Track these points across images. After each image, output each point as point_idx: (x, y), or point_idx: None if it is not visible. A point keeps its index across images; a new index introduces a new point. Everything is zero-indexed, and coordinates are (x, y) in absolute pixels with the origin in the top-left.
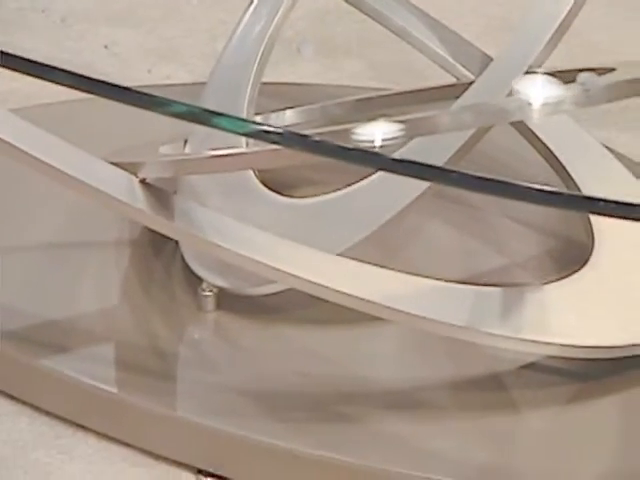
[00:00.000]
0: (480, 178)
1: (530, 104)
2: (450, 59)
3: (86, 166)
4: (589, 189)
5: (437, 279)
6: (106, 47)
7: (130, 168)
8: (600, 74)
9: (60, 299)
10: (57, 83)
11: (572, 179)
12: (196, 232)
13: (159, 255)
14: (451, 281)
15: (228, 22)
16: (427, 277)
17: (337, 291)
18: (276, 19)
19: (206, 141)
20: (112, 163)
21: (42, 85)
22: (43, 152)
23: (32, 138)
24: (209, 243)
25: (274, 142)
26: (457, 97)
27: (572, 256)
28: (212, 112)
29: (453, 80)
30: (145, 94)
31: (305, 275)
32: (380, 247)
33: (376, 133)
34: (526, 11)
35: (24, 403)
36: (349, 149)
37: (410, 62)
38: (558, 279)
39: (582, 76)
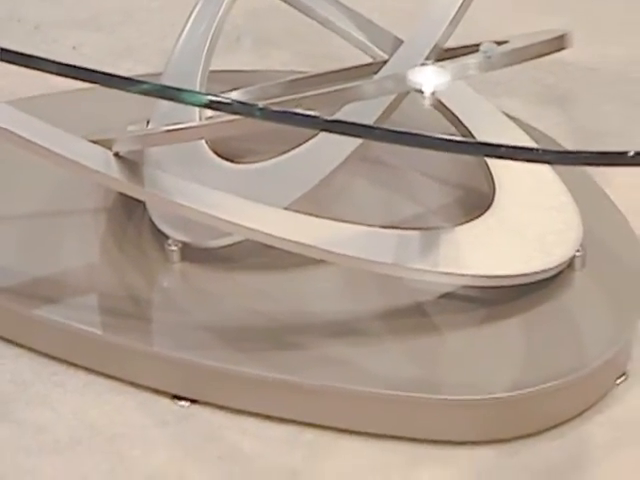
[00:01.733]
0: (399, 132)
1: (443, 69)
2: (367, 42)
3: (67, 143)
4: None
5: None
6: (74, 48)
7: (105, 144)
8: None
9: (48, 258)
10: (44, 70)
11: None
12: (162, 195)
13: (130, 217)
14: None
15: (176, 24)
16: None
17: (282, 238)
18: (219, 16)
19: (164, 120)
20: (89, 140)
21: (22, 83)
22: (29, 132)
23: (17, 121)
24: (173, 203)
25: (225, 111)
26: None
27: (476, 202)
28: (176, 88)
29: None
30: (121, 77)
31: (255, 226)
32: (313, 204)
33: None
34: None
35: (23, 346)
36: (291, 113)
37: (331, 51)
38: (467, 221)
39: (484, 45)
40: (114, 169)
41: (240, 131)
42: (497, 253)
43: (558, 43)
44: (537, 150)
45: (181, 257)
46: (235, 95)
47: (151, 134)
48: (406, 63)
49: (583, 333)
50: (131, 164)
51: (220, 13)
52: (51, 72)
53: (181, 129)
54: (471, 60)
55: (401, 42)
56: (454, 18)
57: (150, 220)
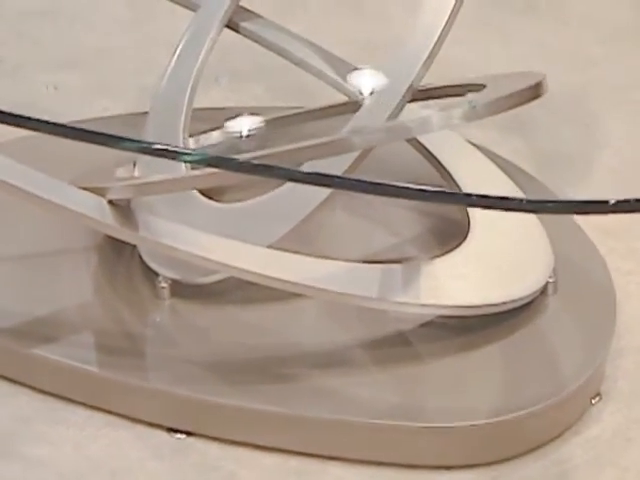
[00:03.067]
0: (375, 183)
1: (428, 120)
2: (340, 80)
3: (60, 191)
4: (464, 183)
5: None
6: (55, 88)
7: (99, 192)
8: (474, 90)
9: (42, 297)
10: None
11: (449, 174)
12: (154, 239)
13: (120, 255)
14: (356, 261)
15: (150, 60)
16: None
17: (268, 277)
18: (201, 58)
19: (150, 162)
20: (83, 188)
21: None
22: (21, 181)
23: (6, 168)
24: (165, 247)
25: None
26: (353, 112)
27: (451, 230)
28: (166, 148)
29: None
30: (106, 135)
31: (244, 267)
32: (294, 239)
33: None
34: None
35: (22, 384)
36: (265, 166)
37: (302, 84)
38: (444, 252)
39: (469, 95)
40: (108, 216)
41: (235, 180)
42: (475, 283)
43: (537, 90)
44: (520, 200)
45: (171, 293)
46: (217, 135)
47: (144, 184)
48: (383, 105)
49: (558, 357)
50: (124, 210)
51: (202, 53)
52: (45, 132)
53: (175, 180)
54: (456, 110)
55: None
56: (428, 58)
57: (140, 257)
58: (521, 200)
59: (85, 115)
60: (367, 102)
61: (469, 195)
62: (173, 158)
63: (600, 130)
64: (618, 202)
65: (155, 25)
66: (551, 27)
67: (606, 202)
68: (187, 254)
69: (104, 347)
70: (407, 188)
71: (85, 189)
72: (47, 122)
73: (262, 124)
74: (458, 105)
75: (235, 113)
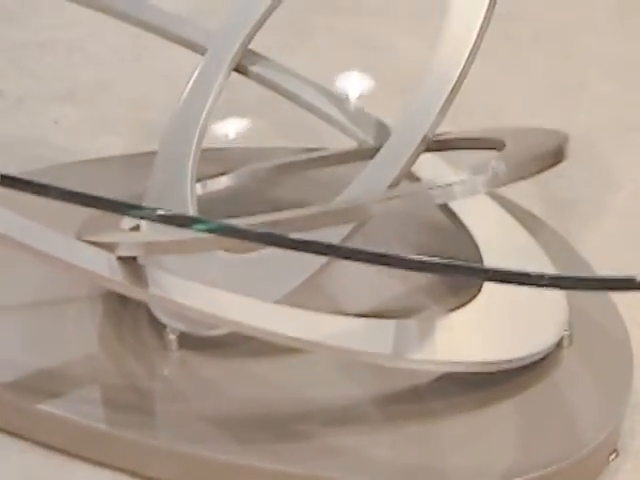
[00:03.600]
0: (374, 253)
1: (451, 189)
2: (348, 124)
3: (67, 247)
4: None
5: (357, 313)
6: (56, 122)
7: (108, 248)
8: (492, 146)
9: (48, 349)
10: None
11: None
12: (164, 295)
13: (127, 306)
14: (366, 312)
15: (149, 94)
16: (350, 313)
17: (278, 334)
18: (209, 103)
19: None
20: (89, 242)
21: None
22: (29, 238)
23: (15, 225)
24: (175, 303)
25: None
26: (364, 158)
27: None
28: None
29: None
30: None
31: (252, 323)
32: (304, 288)
33: None
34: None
35: (28, 439)
36: (276, 236)
37: (306, 119)
38: (457, 302)
39: (492, 162)
40: (117, 273)
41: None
42: (490, 338)
43: (560, 156)
44: (538, 276)
45: (179, 345)
46: (223, 181)
47: (155, 243)
48: (396, 155)
49: (575, 413)
50: (133, 266)
51: (211, 98)
52: (53, 198)
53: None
54: (479, 178)
55: (382, 124)
56: (444, 106)
57: (147, 309)
58: (542, 276)
59: (88, 151)
60: (380, 153)
61: (487, 270)
62: (184, 226)
63: (612, 172)
64: None
65: (153, 57)
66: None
67: (633, 279)
68: (198, 312)
69: (112, 403)
70: (422, 262)
71: (94, 244)
72: (57, 188)
73: None
74: (481, 171)
75: (241, 154)
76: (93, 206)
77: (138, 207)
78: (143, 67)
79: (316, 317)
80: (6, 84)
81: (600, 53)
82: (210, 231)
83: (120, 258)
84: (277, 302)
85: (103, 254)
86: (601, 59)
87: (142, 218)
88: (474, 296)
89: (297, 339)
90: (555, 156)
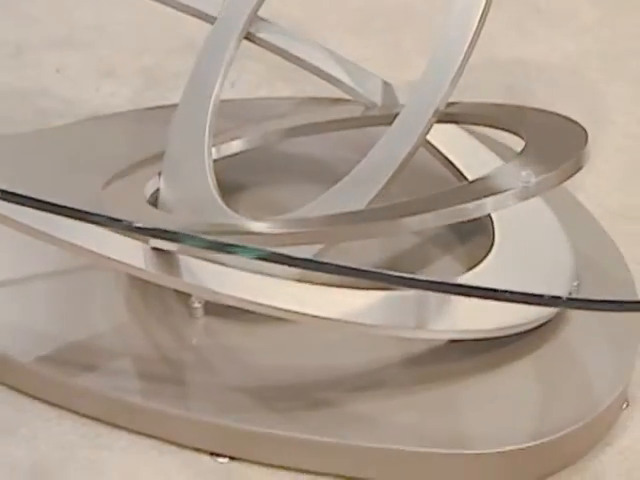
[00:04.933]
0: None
1: (483, 204)
2: (357, 88)
3: (102, 240)
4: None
5: (371, 266)
6: (58, 71)
7: (141, 238)
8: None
9: (79, 322)
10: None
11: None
12: (198, 284)
13: None
14: (380, 265)
15: (150, 39)
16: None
17: (305, 314)
18: (221, 73)
19: (176, 175)
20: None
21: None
22: (61, 231)
23: (44, 218)
24: (209, 292)
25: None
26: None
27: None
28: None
29: None
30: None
31: (294, 308)
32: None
33: None
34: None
35: (65, 409)
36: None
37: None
38: (469, 256)
39: (523, 175)
40: (153, 264)
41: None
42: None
43: (581, 161)
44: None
45: (205, 311)
46: (238, 144)
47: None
48: (410, 126)
49: (589, 369)
50: (168, 257)
51: (223, 68)
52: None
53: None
54: (510, 191)
55: (387, 85)
56: (454, 77)
57: None
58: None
59: (93, 100)
60: (395, 123)
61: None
62: (231, 253)
63: (601, 106)
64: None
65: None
66: None
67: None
68: (233, 299)
69: (143, 375)
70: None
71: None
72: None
73: None
74: (511, 185)
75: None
76: (142, 234)
77: (192, 237)
78: (139, 9)
79: (339, 294)
80: (5, 32)
81: None
82: (259, 258)
83: (155, 249)
84: None
85: (137, 245)
86: None
87: (193, 246)
88: (485, 248)
89: (325, 318)
90: (578, 163)
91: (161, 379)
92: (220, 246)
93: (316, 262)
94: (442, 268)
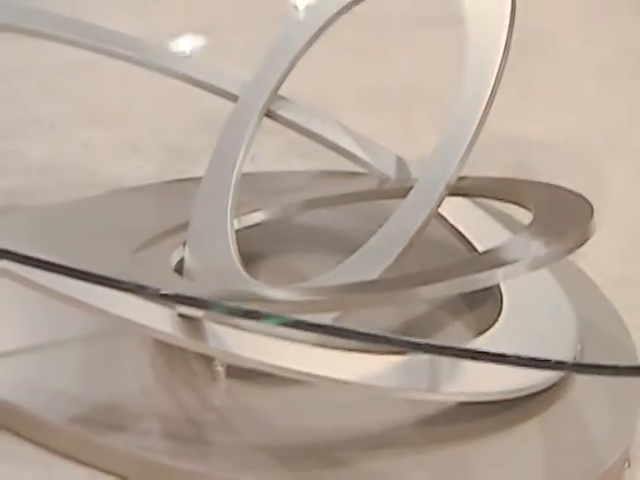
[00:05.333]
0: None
1: (494, 274)
2: (371, 162)
3: (133, 307)
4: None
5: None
6: (85, 147)
7: (169, 304)
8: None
9: (107, 386)
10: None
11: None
12: (223, 349)
13: None
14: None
15: (174, 115)
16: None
17: (324, 377)
18: (242, 150)
19: (199, 245)
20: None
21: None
22: (92, 298)
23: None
24: (234, 356)
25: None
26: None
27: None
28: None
29: None
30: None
31: (316, 372)
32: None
33: None
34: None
35: (94, 467)
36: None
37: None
38: (478, 321)
39: (532, 247)
40: (180, 330)
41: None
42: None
43: (588, 233)
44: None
45: (227, 374)
46: (259, 216)
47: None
48: (423, 200)
49: (593, 430)
50: (193, 323)
51: (244, 145)
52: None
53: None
54: (520, 262)
55: (401, 160)
56: (465, 153)
57: None
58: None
59: (119, 174)
60: (408, 197)
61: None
62: (255, 320)
63: (601, 180)
64: None
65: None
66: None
67: None
68: (256, 363)
69: (168, 435)
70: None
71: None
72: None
73: None
74: (521, 256)
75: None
76: (169, 300)
77: (217, 303)
78: (162, 86)
79: (356, 358)
80: (37, 107)
81: (584, 58)
82: (281, 325)
83: (181, 315)
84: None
85: (165, 311)
86: (585, 63)
87: (218, 312)
88: (493, 313)
89: (341, 381)
90: (585, 235)
91: (185, 439)
92: (244, 313)
93: (337, 329)
94: (452, 334)
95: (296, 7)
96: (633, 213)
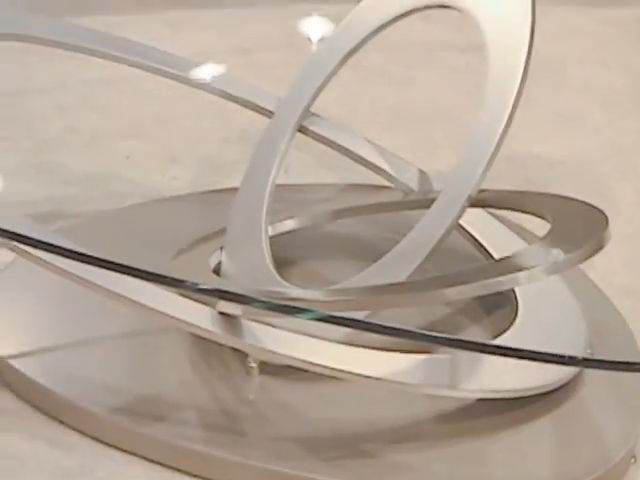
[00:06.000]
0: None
1: (516, 277)
2: (394, 174)
3: (173, 304)
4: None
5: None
6: (128, 157)
7: (210, 303)
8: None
9: (148, 379)
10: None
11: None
12: (258, 345)
13: None
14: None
15: (210, 130)
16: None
17: (352, 374)
18: (276, 164)
19: (236, 250)
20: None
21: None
22: (139, 295)
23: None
24: (268, 352)
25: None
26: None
27: (497, 301)
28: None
29: None
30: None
31: (347, 369)
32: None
33: None
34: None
35: (135, 454)
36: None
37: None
38: (494, 324)
39: (551, 253)
40: (219, 326)
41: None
42: (529, 365)
43: (603, 242)
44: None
45: (260, 371)
46: (290, 223)
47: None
48: (446, 210)
49: (601, 427)
50: (231, 320)
51: (279, 158)
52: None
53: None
54: (540, 267)
55: (424, 174)
56: (486, 167)
57: None
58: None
59: (158, 183)
60: (432, 207)
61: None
62: (291, 315)
63: (609, 198)
64: None
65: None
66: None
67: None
68: (288, 358)
69: (205, 425)
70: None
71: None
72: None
73: None
74: (540, 262)
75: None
76: (208, 295)
77: (256, 299)
78: (201, 102)
79: (382, 356)
80: (79, 121)
81: (593, 84)
82: (314, 319)
83: (221, 313)
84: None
85: (205, 309)
86: (595, 90)
87: (256, 307)
88: (508, 318)
89: (369, 377)
90: (600, 243)
91: (220, 429)
92: (279, 307)
93: (366, 323)
94: (470, 336)
95: (326, 32)
96: (637, 225)
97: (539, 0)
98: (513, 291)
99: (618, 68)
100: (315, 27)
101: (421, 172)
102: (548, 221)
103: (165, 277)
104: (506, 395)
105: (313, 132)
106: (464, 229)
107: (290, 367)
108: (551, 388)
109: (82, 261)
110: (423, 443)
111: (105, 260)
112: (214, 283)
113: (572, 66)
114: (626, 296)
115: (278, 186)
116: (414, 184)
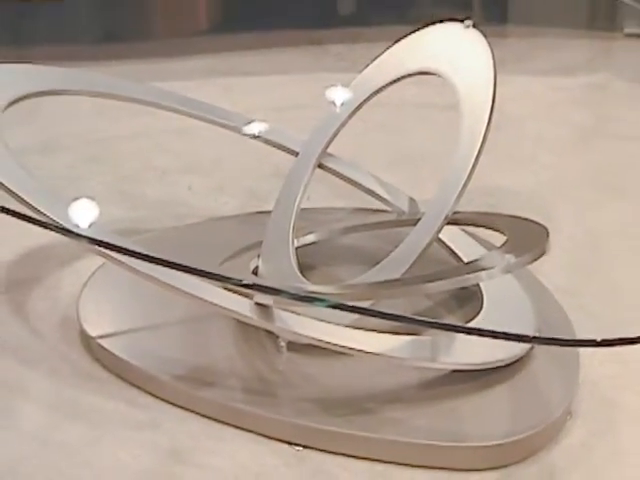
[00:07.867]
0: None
1: (479, 275)
2: (391, 200)
3: (217, 294)
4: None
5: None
6: (190, 188)
7: (248, 295)
8: (494, 228)
9: (202, 352)
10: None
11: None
12: (287, 328)
13: None
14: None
15: (252, 169)
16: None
17: (358, 350)
18: (300, 193)
19: (269, 258)
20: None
21: (164, 213)
22: (195, 289)
23: (177, 277)
24: (295, 334)
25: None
26: (404, 225)
27: (466, 296)
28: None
29: None
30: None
31: (343, 344)
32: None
33: None
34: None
35: (190, 410)
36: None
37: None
38: (464, 314)
39: (506, 256)
40: (255, 313)
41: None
42: (495, 344)
43: (544, 249)
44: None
45: (288, 348)
46: (311, 237)
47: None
48: (428, 227)
49: (546, 390)
50: (265, 308)
51: (302, 188)
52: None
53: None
54: (497, 268)
55: (412, 200)
56: (460, 192)
57: None
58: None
59: (213, 208)
60: (417, 226)
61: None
62: (311, 302)
63: (555, 219)
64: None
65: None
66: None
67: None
68: (310, 338)
69: (245, 389)
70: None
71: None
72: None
73: None
74: (498, 263)
75: (317, 212)
76: (248, 288)
77: (284, 290)
78: (243, 146)
79: (381, 337)
80: (154, 160)
81: (543, 134)
82: (328, 307)
83: (257, 303)
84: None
85: (245, 301)
86: (544, 138)
87: (285, 297)
88: (475, 309)
89: (371, 353)
90: (542, 250)
91: (257, 392)
92: (301, 297)
93: (368, 310)
94: (448, 321)
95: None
96: (575, 240)
97: (503, 70)
98: (479, 288)
99: (562, 123)
100: (331, 92)
101: (411, 199)
102: (505, 235)
103: (216, 275)
104: (474, 367)
105: (329, 168)
106: (442, 242)
107: (311, 345)
108: (509, 362)
109: (153, 263)
110: (410, 403)
111: (170, 262)
112: (253, 280)
113: (527, 120)
114: (566, 294)
115: (302, 209)
116: (405, 208)
